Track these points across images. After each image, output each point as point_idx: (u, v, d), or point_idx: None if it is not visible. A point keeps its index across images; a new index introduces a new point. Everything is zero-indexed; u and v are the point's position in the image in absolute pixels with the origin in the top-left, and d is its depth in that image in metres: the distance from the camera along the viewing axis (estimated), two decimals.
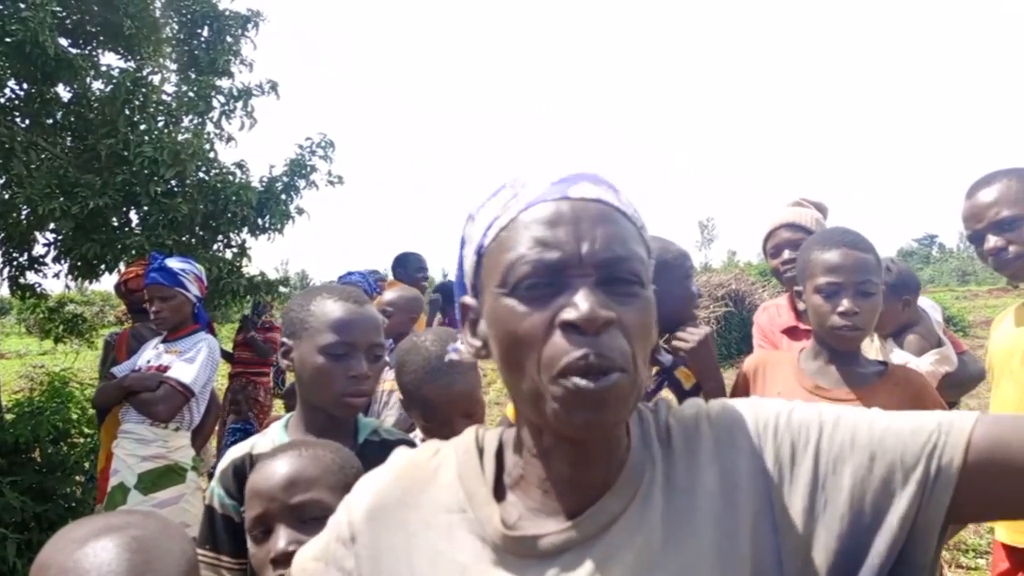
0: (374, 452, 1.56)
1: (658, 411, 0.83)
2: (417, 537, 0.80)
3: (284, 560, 1.10)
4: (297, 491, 1.19)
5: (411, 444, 1.59)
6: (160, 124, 5.25)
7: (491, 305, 0.76)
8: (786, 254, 2.52)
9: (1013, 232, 1.93)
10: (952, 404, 2.13)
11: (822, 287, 1.72)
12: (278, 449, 1.30)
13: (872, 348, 2.35)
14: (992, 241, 1.96)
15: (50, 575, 0.85)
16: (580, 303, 0.69)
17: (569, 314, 0.69)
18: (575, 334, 0.69)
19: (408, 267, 5.18)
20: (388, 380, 3.43)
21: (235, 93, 5.85)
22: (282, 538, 1.16)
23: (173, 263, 3.16)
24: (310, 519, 1.15)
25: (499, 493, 0.80)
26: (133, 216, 5.30)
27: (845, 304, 1.69)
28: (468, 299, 0.83)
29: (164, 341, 3.18)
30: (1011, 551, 1.98)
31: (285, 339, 1.61)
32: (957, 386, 2.24)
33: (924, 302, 2.72)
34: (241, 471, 1.51)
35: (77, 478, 4.51)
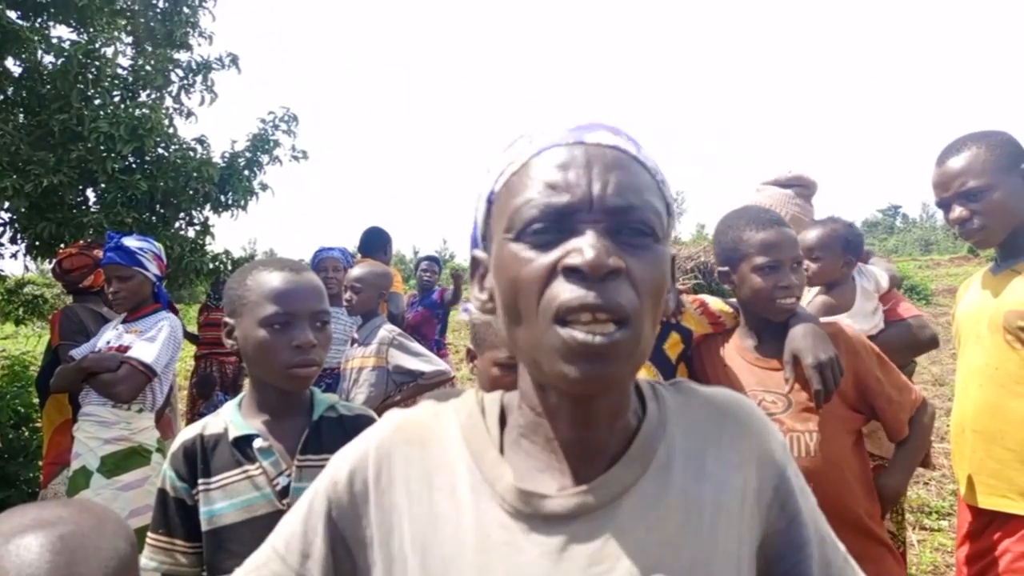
0: (331, 428, 1.53)
1: (679, 390, 0.82)
2: (418, 495, 0.76)
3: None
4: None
5: (371, 418, 1.56)
6: (116, 99, 5.11)
7: (497, 252, 0.72)
8: None
9: (978, 203, 1.94)
10: (902, 367, 2.15)
11: (761, 266, 1.83)
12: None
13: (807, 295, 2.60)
14: (957, 211, 1.98)
15: None
16: (585, 248, 0.65)
17: (573, 259, 0.66)
18: (578, 280, 0.65)
19: (374, 243, 5.11)
20: (357, 357, 3.38)
21: (194, 66, 5.72)
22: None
23: (130, 242, 3.06)
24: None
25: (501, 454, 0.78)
26: (90, 194, 5.17)
27: (788, 279, 1.82)
28: (478, 252, 0.81)
29: (124, 321, 3.10)
30: (977, 511, 2.01)
31: (227, 319, 1.55)
32: (895, 351, 2.24)
33: (878, 267, 2.77)
34: (192, 453, 1.48)
35: (39, 463, 4.41)
